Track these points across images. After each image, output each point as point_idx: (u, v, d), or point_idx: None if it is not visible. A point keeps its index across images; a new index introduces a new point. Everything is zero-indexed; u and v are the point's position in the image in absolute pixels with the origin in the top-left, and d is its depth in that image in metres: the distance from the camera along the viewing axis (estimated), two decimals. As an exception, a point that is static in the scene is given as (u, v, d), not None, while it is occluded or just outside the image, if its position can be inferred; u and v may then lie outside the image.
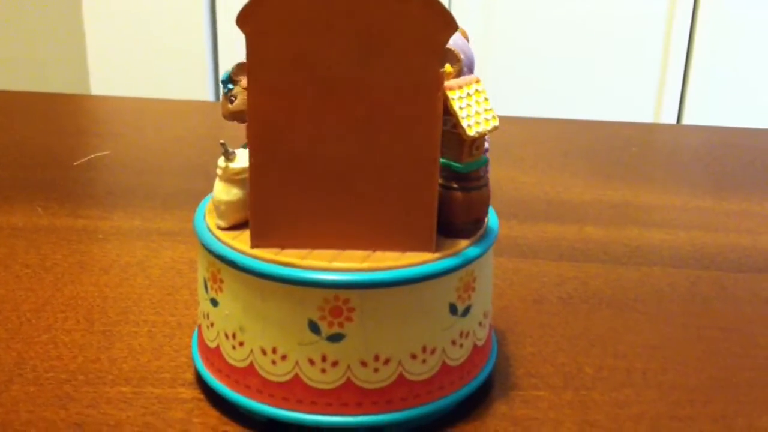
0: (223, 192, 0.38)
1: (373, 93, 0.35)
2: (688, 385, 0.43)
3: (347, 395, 0.37)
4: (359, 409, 0.37)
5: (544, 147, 0.80)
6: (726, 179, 0.73)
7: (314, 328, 0.36)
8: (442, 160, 0.37)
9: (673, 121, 1.47)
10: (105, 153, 0.74)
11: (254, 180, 0.36)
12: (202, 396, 0.41)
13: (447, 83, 0.36)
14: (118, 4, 1.45)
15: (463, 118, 0.36)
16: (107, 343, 0.45)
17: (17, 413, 0.40)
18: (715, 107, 1.44)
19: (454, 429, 0.39)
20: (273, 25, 0.34)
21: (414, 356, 0.38)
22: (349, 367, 0.37)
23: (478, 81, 0.38)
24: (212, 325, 0.40)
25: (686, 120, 1.46)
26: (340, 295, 0.36)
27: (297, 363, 0.37)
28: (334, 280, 0.36)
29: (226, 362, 0.39)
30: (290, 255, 0.36)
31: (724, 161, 0.78)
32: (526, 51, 1.44)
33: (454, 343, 0.39)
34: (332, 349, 0.37)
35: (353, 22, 0.34)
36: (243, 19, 0.34)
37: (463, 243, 0.38)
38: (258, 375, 0.38)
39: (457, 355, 0.39)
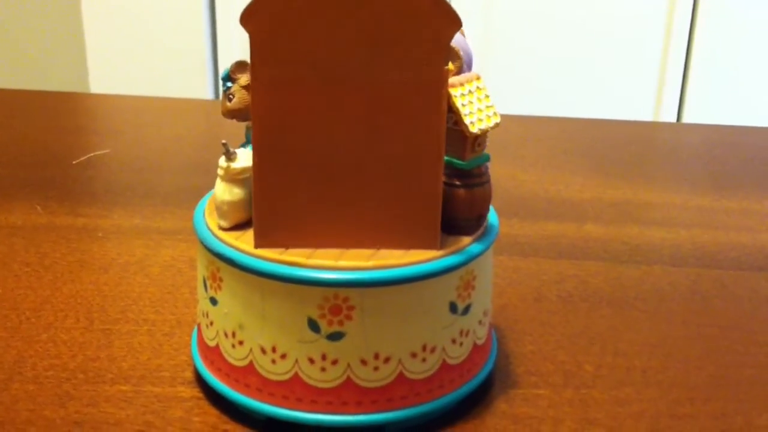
0: (225, 192, 0.38)
1: (377, 90, 0.35)
2: (688, 384, 0.43)
3: (347, 394, 0.37)
4: (359, 407, 0.37)
5: (544, 145, 0.80)
6: (726, 177, 0.73)
7: (314, 326, 0.36)
8: (444, 157, 0.37)
9: (673, 119, 1.47)
10: (104, 151, 0.74)
11: (258, 179, 0.36)
12: (201, 395, 0.41)
13: (449, 81, 0.36)
14: (117, 2, 1.45)
15: (465, 115, 0.36)
16: (107, 342, 0.45)
17: (17, 412, 0.40)
18: (714, 105, 1.44)
19: (454, 427, 0.39)
20: (276, 22, 0.34)
21: (414, 355, 0.38)
22: (349, 365, 0.37)
23: (478, 78, 0.38)
24: (212, 323, 0.40)
25: (686, 118, 1.46)
26: (340, 294, 0.36)
27: (297, 361, 0.37)
28: (333, 279, 0.36)
29: (225, 361, 0.39)
30: (294, 254, 0.36)
31: (723, 159, 0.78)
32: (526, 49, 1.44)
33: (454, 341, 0.39)
34: (332, 348, 0.37)
35: (357, 19, 0.34)
36: (246, 18, 0.34)
37: (465, 240, 0.38)
38: (257, 374, 0.38)
39: (457, 354, 0.39)
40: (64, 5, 1.71)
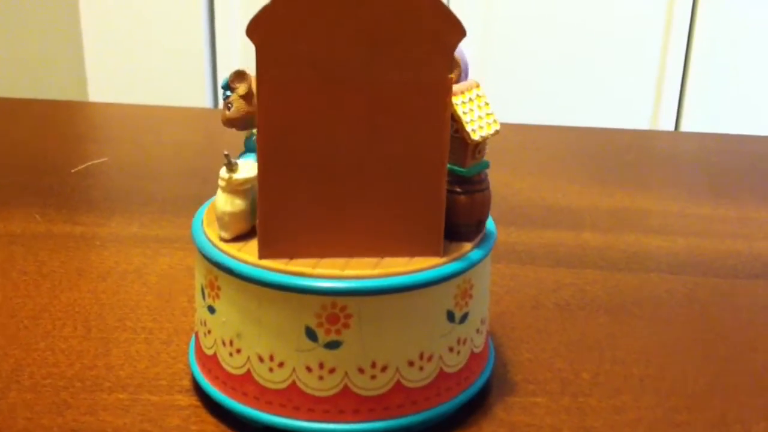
0: (227, 203, 0.38)
1: (382, 99, 0.35)
2: (686, 391, 0.43)
3: (344, 402, 0.37)
4: (356, 416, 0.37)
5: (542, 153, 0.80)
6: (724, 186, 0.73)
7: (311, 335, 0.36)
8: None
9: (671, 127, 1.47)
10: (103, 160, 0.74)
11: (263, 189, 0.36)
12: (199, 403, 0.41)
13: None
14: (115, 10, 1.45)
15: (467, 122, 0.37)
16: (104, 350, 0.45)
17: (14, 420, 0.40)
18: (713, 113, 1.45)
19: (452, 436, 0.39)
20: (282, 34, 0.34)
21: (411, 363, 0.38)
22: (346, 374, 0.37)
23: (478, 86, 0.38)
24: (209, 332, 0.40)
25: (684, 126, 1.46)
26: (338, 302, 0.36)
27: (294, 370, 0.37)
28: (331, 287, 0.36)
29: (223, 369, 0.39)
30: (298, 264, 0.36)
31: (721, 168, 0.78)
32: (523, 58, 1.44)
33: (451, 349, 0.39)
34: (329, 356, 0.37)
35: (363, 29, 0.34)
36: (252, 30, 0.34)
37: (466, 247, 0.38)
38: (255, 382, 0.38)
39: (454, 362, 0.39)
40: (62, 14, 1.71)
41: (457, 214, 0.38)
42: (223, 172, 0.38)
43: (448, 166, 0.38)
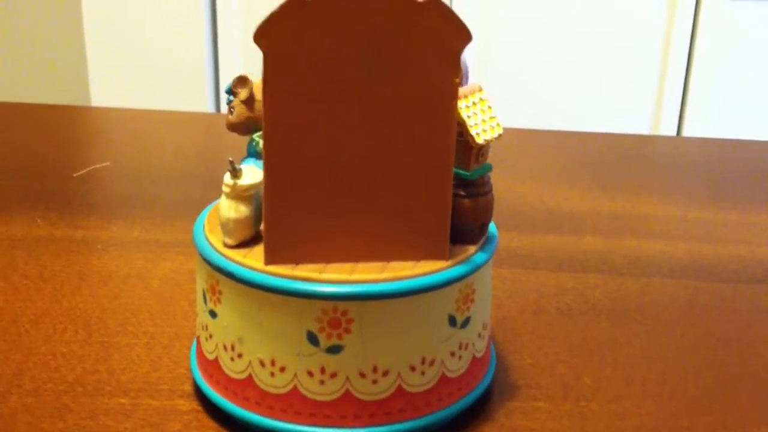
0: (231, 210, 0.38)
1: (389, 104, 0.35)
2: (687, 396, 0.43)
3: (346, 407, 0.37)
4: (358, 421, 0.37)
5: (543, 158, 0.80)
6: (725, 190, 0.73)
7: (313, 339, 0.36)
8: None
9: (672, 132, 1.47)
10: (105, 164, 0.74)
11: (269, 195, 0.36)
12: (200, 408, 0.41)
13: None
14: (118, 16, 1.46)
15: (471, 126, 0.37)
16: (106, 355, 0.45)
17: (15, 424, 0.40)
18: (714, 119, 1.45)
19: (453, 440, 0.39)
20: (290, 40, 0.34)
21: (413, 368, 0.38)
22: (347, 378, 0.37)
23: (480, 89, 0.38)
24: (211, 336, 0.40)
25: (686, 132, 1.46)
26: (339, 307, 0.36)
27: (295, 375, 0.37)
28: (332, 292, 0.36)
29: (224, 374, 0.39)
30: (305, 269, 0.36)
31: (723, 172, 0.78)
32: (524, 63, 1.44)
33: (453, 354, 0.39)
34: (331, 361, 0.37)
35: (369, 35, 0.34)
36: (260, 36, 0.34)
37: (470, 250, 0.38)
38: (256, 387, 0.38)
39: (455, 367, 0.39)
40: (65, 19, 1.72)
41: (461, 217, 0.38)
42: (228, 178, 0.38)
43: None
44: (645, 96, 1.45)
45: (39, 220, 0.62)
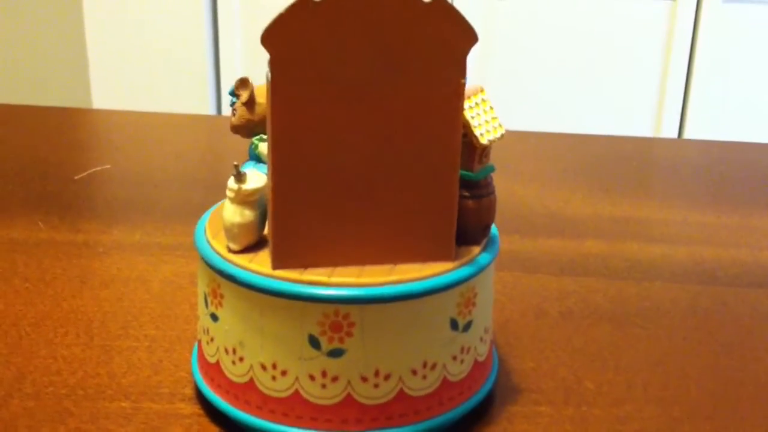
0: (236, 215, 0.37)
1: (395, 106, 0.35)
2: (689, 400, 0.43)
3: (347, 411, 0.37)
4: (359, 425, 0.37)
5: (545, 161, 0.80)
6: (726, 193, 0.73)
7: (314, 343, 0.36)
8: None
9: (674, 135, 1.47)
10: (105, 167, 0.74)
11: (277, 199, 0.36)
12: (201, 411, 0.41)
13: None
14: (120, 18, 1.46)
15: (475, 127, 0.37)
16: (107, 358, 0.45)
17: (16, 428, 0.39)
18: (715, 121, 1.45)
19: (455, 445, 0.39)
20: (296, 41, 0.34)
21: (414, 372, 0.37)
22: (349, 382, 0.37)
23: (482, 90, 0.39)
24: (212, 340, 0.40)
25: (687, 134, 1.46)
26: (340, 310, 0.36)
27: (297, 378, 0.37)
28: (334, 295, 0.36)
29: (225, 378, 0.39)
30: (313, 273, 0.36)
31: (724, 176, 0.78)
32: (526, 65, 1.44)
33: (454, 358, 0.39)
34: (332, 365, 0.37)
35: (376, 36, 0.34)
36: (267, 38, 0.34)
37: (474, 251, 0.39)
38: (258, 391, 0.38)
39: (457, 371, 0.39)
40: (67, 21, 1.72)
41: (465, 218, 0.39)
42: (232, 182, 0.37)
43: None
44: (646, 99, 1.45)
45: (40, 223, 0.62)
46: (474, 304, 0.39)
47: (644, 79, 1.44)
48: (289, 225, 0.36)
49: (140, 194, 0.69)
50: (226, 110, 1.48)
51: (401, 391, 0.37)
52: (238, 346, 0.38)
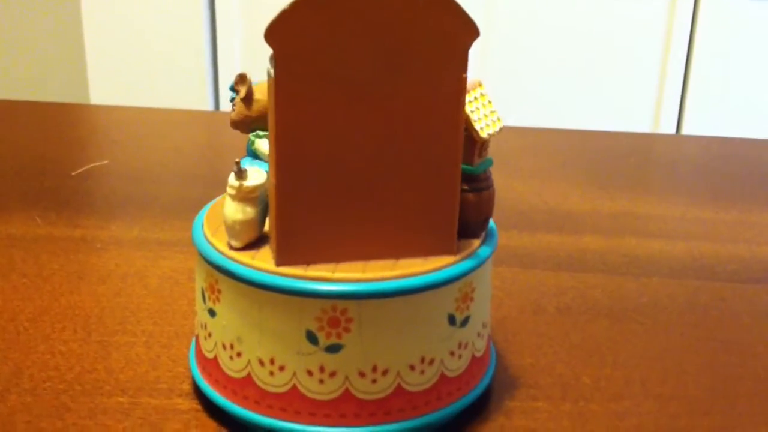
0: (237, 211, 0.37)
1: (397, 101, 0.35)
2: (687, 396, 0.43)
3: (345, 406, 0.37)
4: (357, 420, 0.37)
5: (543, 157, 0.80)
6: (725, 189, 0.73)
7: (312, 338, 0.36)
8: None
9: (672, 131, 1.47)
10: (103, 162, 0.74)
11: (280, 195, 0.36)
12: (199, 407, 0.41)
13: None
14: (117, 14, 1.45)
15: (475, 121, 0.37)
16: (104, 353, 0.45)
17: (14, 424, 0.39)
18: (714, 117, 1.45)
19: (453, 440, 0.39)
20: (300, 38, 0.34)
21: (412, 367, 0.37)
22: (347, 377, 0.37)
23: (480, 84, 0.39)
24: (210, 335, 0.39)
25: (685, 130, 1.46)
26: (338, 306, 0.36)
27: (295, 374, 0.37)
28: (331, 291, 0.36)
29: (223, 373, 0.39)
30: (317, 269, 0.36)
31: (723, 171, 0.78)
32: (524, 61, 1.44)
33: (452, 353, 0.39)
34: (330, 360, 0.37)
35: (379, 30, 0.34)
36: (271, 34, 0.34)
37: (474, 244, 0.39)
38: (256, 386, 0.38)
39: (455, 366, 0.39)
40: (64, 16, 1.71)
41: (466, 212, 0.39)
42: (233, 179, 0.37)
43: None
44: (645, 94, 1.45)
45: (38, 219, 0.62)
46: (472, 300, 0.39)
47: (643, 75, 1.44)
48: (292, 222, 0.36)
49: (138, 190, 0.69)
50: (224, 106, 1.48)
51: (399, 387, 0.37)
52: (236, 342, 0.38)
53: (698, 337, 0.49)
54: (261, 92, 0.40)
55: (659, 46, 1.42)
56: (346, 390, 0.37)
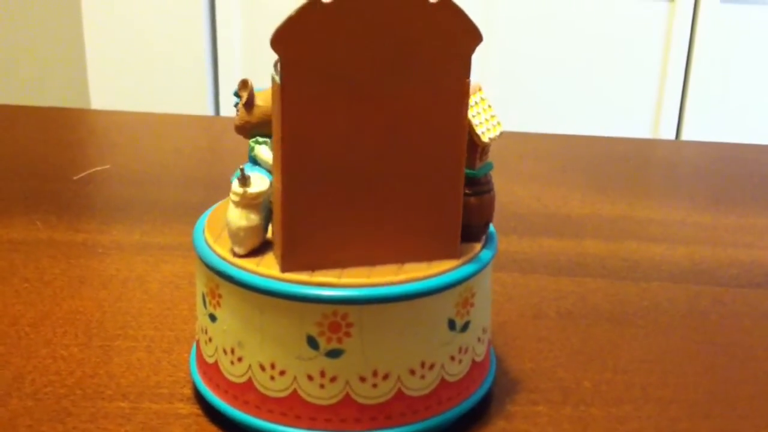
0: (241, 218, 0.37)
1: (402, 105, 0.35)
2: (687, 400, 0.43)
3: (346, 411, 0.37)
4: (358, 425, 0.37)
5: (543, 161, 0.80)
6: (724, 194, 0.73)
7: (313, 343, 0.36)
8: None
9: (672, 136, 1.47)
10: (105, 167, 0.74)
11: (285, 201, 0.36)
12: (200, 411, 0.41)
13: None
14: (118, 18, 1.46)
15: (476, 125, 0.38)
16: (106, 358, 0.45)
17: (15, 428, 0.40)
18: (714, 122, 1.45)
19: (453, 445, 0.39)
20: (306, 43, 0.34)
21: (413, 372, 0.38)
22: (347, 382, 0.37)
23: (480, 89, 0.39)
24: (210, 340, 0.40)
25: (685, 135, 1.46)
26: (339, 311, 0.36)
27: (295, 378, 0.37)
28: (332, 296, 0.36)
29: (224, 378, 0.39)
30: (323, 275, 0.36)
31: (722, 176, 0.78)
32: (524, 66, 1.44)
33: (452, 358, 0.39)
34: (331, 365, 0.37)
35: (384, 36, 0.34)
36: (277, 40, 0.34)
37: (476, 248, 0.39)
38: (256, 390, 0.38)
39: (455, 371, 0.39)
40: (65, 21, 1.72)
41: (468, 215, 0.39)
42: (236, 186, 0.37)
43: None
44: (644, 99, 1.45)
45: (39, 223, 0.62)
46: (472, 305, 0.39)
47: (642, 80, 1.44)
48: (298, 227, 0.36)
49: (139, 194, 0.69)
50: (225, 111, 1.48)
51: (400, 391, 0.37)
52: (237, 346, 0.38)
53: (699, 341, 0.49)
54: (262, 99, 0.40)
55: (659, 51, 1.43)
56: (347, 395, 0.37)
